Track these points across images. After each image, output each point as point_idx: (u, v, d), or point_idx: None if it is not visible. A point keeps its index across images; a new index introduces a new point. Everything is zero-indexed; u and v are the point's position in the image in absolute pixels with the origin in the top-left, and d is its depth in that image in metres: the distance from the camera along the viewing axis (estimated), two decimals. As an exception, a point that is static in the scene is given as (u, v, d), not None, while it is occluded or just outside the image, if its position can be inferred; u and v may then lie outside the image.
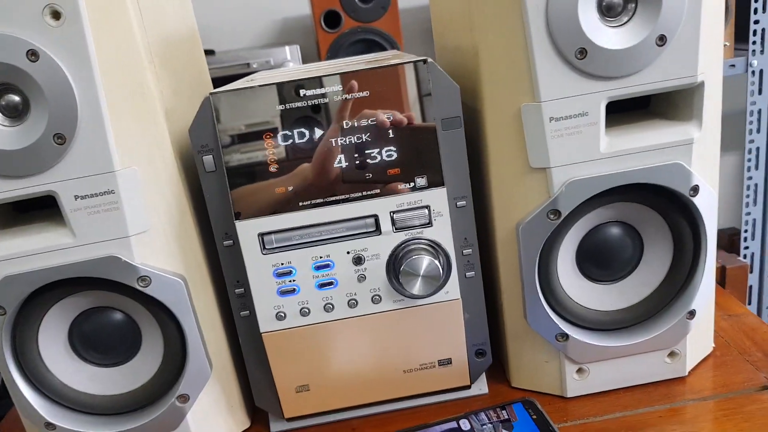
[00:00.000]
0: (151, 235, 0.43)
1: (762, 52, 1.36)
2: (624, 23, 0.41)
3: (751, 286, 1.57)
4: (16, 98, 0.40)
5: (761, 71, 1.37)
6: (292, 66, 0.63)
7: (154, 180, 0.43)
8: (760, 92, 1.39)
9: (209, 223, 0.47)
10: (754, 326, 0.53)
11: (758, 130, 1.43)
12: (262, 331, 0.46)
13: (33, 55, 0.38)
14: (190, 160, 0.48)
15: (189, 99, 0.52)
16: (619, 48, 0.41)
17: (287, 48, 1.34)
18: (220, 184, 0.44)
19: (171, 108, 0.45)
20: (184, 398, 0.46)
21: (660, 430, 0.44)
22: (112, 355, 0.46)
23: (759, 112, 1.41)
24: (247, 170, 0.44)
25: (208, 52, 1.33)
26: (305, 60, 1.55)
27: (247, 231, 0.44)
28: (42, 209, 0.46)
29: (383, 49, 1.31)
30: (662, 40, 0.41)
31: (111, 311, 0.46)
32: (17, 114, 0.40)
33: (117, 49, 0.40)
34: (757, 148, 1.44)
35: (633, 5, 0.41)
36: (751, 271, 1.55)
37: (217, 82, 0.60)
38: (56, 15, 0.38)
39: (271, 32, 1.65)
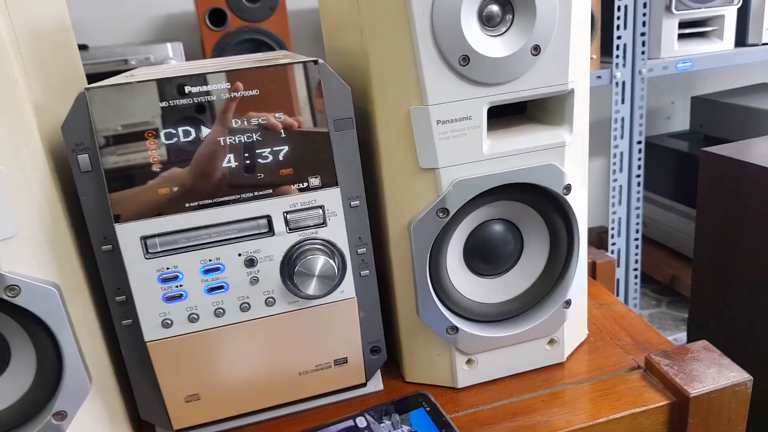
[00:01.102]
0: (20, 241, 0.40)
1: (624, 65, 1.49)
2: (502, 33, 0.44)
3: (618, 279, 1.71)
4: None
5: (624, 82, 1.51)
6: (176, 63, 0.61)
7: (22, 181, 0.40)
8: (623, 101, 1.53)
9: (86, 226, 0.44)
10: (623, 314, 0.58)
11: (622, 136, 1.57)
12: (146, 339, 0.44)
13: None
14: (64, 160, 0.45)
15: (62, 96, 0.49)
16: (498, 56, 0.43)
17: (169, 45, 1.28)
18: (97, 185, 0.42)
19: (41, 104, 0.42)
20: (62, 415, 0.42)
21: (543, 413, 0.47)
22: (-26, 374, 0.42)
23: (622, 119, 1.55)
24: (127, 170, 0.41)
25: (81, 47, 1.25)
26: (189, 58, 1.49)
27: (128, 234, 0.42)
28: None
29: (271, 49, 1.29)
30: (537, 50, 0.44)
31: (-28, 326, 0.42)
32: None
33: (-24, 39, 0.37)
34: (621, 153, 1.58)
35: (510, 17, 0.44)
36: (618, 266, 1.70)
37: (91, 78, 0.57)
38: None
39: (151, 29, 1.58)
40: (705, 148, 0.81)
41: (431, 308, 0.48)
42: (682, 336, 1.64)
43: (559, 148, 0.47)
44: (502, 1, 0.44)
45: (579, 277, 0.50)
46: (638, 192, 1.63)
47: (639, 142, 1.58)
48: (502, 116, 0.50)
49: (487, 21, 0.44)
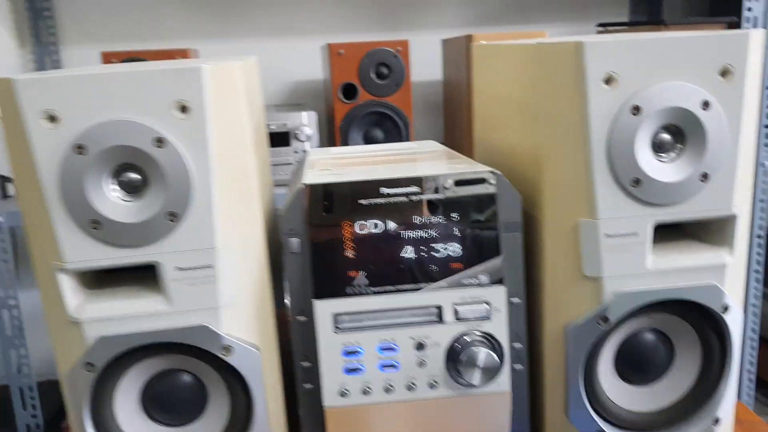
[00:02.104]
0: (236, 307, 0.47)
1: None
2: (673, 160, 0.47)
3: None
4: (136, 176, 0.44)
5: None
6: (353, 148, 0.68)
7: (244, 256, 0.47)
8: (746, 197, 1.49)
9: (279, 297, 0.51)
10: (767, 435, 0.58)
11: (743, 232, 1.51)
12: (326, 405, 0.49)
13: (159, 141, 0.43)
14: (269, 238, 0.52)
15: (263, 178, 0.57)
16: (668, 181, 0.47)
17: (305, 114, 1.40)
18: (303, 265, 0.48)
19: (260, 188, 0.50)
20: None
21: None
22: (179, 416, 0.49)
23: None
24: (328, 255, 0.48)
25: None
26: (320, 126, 1.61)
27: (323, 310, 0.48)
28: (128, 271, 0.49)
29: (393, 121, 1.37)
30: (705, 177, 0.47)
31: (182, 374, 0.49)
32: (134, 190, 0.44)
33: (230, 139, 0.45)
34: (742, 249, 1.52)
35: (681, 145, 0.48)
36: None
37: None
38: (183, 108, 0.43)
39: (281, 94, 1.72)
40: None
41: (581, 411, 0.51)
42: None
43: (720, 269, 0.49)
44: (673, 130, 0.47)
45: (729, 395, 0.51)
46: (756, 289, 1.56)
47: (759, 237, 1.52)
48: (659, 228, 0.53)
49: (659, 148, 0.47)
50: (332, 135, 1.38)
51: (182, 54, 1.21)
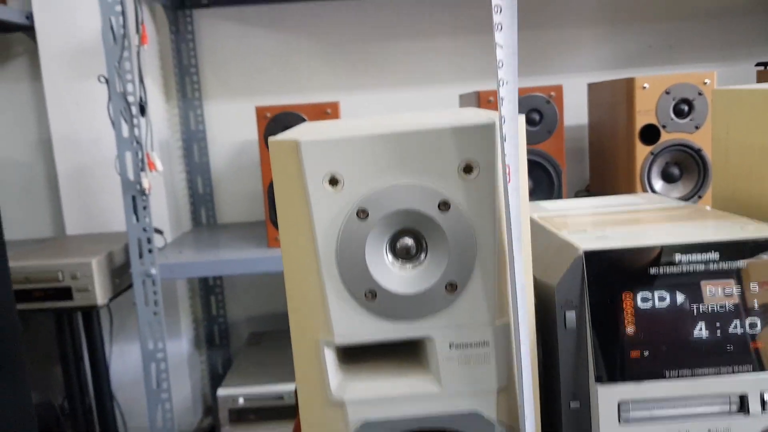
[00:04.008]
0: (507, 392, 0.42)
1: None
2: None
3: None
4: (410, 242, 0.40)
5: None
6: (568, 203, 0.62)
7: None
8: None
9: (547, 379, 0.46)
10: None
11: None
12: (607, 507, 0.43)
13: (445, 205, 0.39)
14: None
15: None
16: None
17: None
18: (579, 343, 0.42)
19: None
20: None
21: None
22: None
23: None
24: (613, 332, 0.42)
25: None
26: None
27: (607, 396, 0.42)
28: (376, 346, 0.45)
29: (544, 169, 1.30)
30: None
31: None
32: (408, 258, 0.40)
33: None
34: None
35: None
36: None
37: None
38: (469, 169, 0.39)
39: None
40: None
41: None
42: None
43: None
44: None
45: None
46: None
47: None
48: None
49: None
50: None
51: (333, 107, 1.22)
